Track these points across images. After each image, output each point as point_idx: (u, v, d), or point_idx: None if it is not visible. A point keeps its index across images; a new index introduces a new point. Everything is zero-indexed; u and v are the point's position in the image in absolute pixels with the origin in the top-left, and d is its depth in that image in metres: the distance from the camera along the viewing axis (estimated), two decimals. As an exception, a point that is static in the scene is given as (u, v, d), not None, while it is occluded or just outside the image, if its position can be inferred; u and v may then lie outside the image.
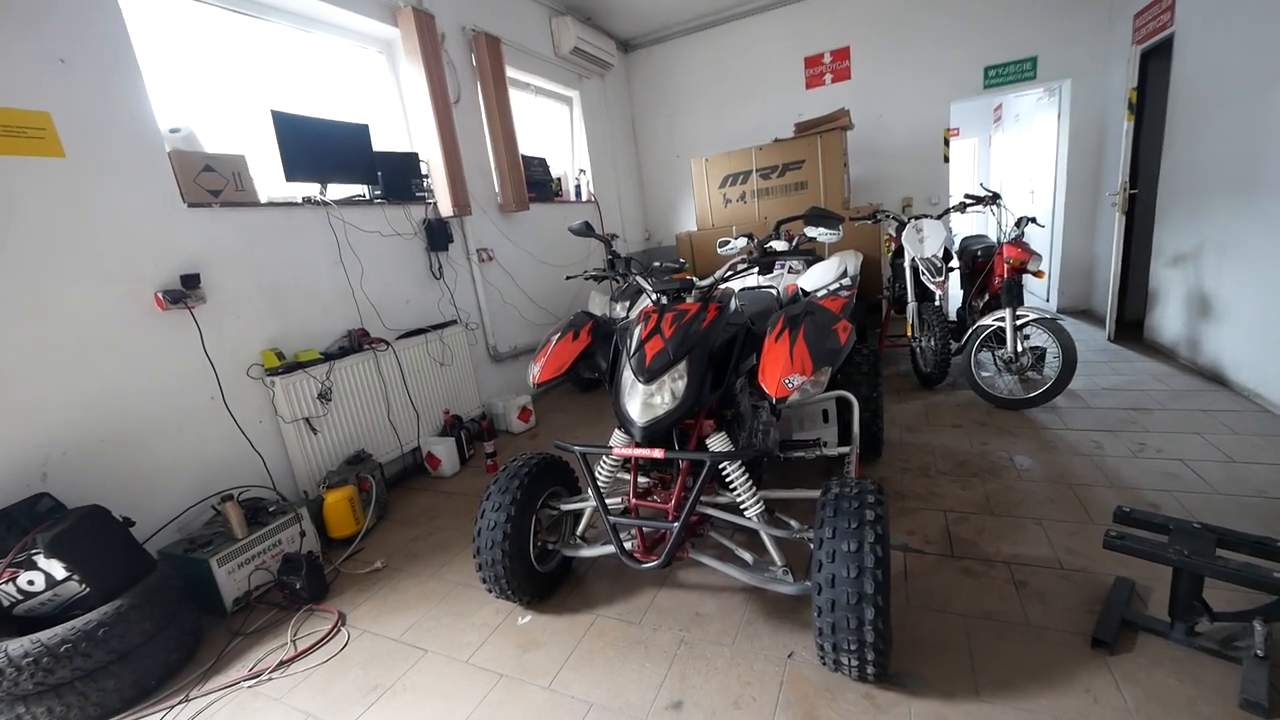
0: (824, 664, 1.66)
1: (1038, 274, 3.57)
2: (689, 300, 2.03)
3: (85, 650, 1.88)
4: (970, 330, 3.62)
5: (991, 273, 3.81)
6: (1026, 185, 6.52)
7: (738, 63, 6.14)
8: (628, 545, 1.92)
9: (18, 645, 1.81)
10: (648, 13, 5.79)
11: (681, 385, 1.80)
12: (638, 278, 2.21)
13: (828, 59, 5.75)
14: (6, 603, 1.94)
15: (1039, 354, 3.44)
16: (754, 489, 1.91)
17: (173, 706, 1.98)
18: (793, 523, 1.91)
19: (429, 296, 3.87)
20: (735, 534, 2.10)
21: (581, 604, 2.22)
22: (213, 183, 2.69)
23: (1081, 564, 2.04)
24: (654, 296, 2.09)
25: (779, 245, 2.08)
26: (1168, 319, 4.14)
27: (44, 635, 1.84)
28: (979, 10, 5.19)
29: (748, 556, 1.95)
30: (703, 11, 5.92)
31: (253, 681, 2.05)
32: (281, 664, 2.12)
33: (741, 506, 1.92)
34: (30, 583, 1.93)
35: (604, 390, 4.89)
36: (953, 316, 4.55)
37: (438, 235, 3.79)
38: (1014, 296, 3.45)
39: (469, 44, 4.25)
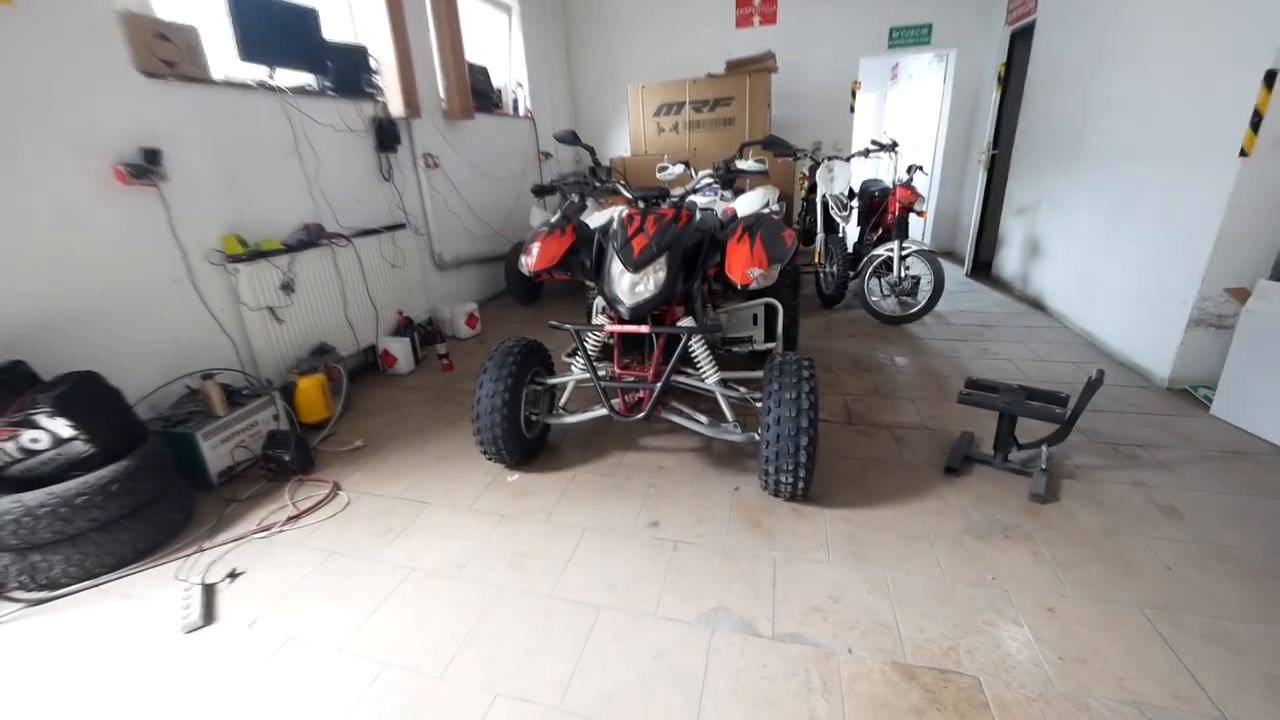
0: (765, 489, 2.21)
1: (920, 214, 4.30)
2: (664, 206, 2.40)
3: (100, 503, 2.00)
4: (865, 259, 4.31)
5: (885, 211, 4.51)
6: (913, 139, 7.38)
7: (673, -12, 6.25)
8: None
9: (33, 496, 1.90)
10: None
11: (663, 275, 2.20)
12: (619, 185, 2.53)
13: (757, 0, 6.05)
14: (2, 462, 1.97)
15: (915, 281, 4.20)
16: (713, 361, 2.39)
17: (187, 556, 2.16)
18: (741, 388, 2.42)
19: (379, 197, 3.88)
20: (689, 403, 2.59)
21: (560, 464, 2.63)
22: (167, 52, 2.57)
23: (939, 425, 2.78)
24: (636, 202, 2.44)
25: (743, 165, 2.49)
26: (1009, 259, 5.12)
27: (59, 488, 1.93)
28: (891, -27, 5.71)
29: (704, 418, 2.45)
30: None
31: (263, 534, 2.25)
32: (289, 519, 2.33)
33: (703, 375, 2.39)
34: (34, 440, 1.97)
35: (540, 304, 5.17)
36: (849, 249, 5.27)
37: (387, 135, 3.77)
38: (902, 231, 4.16)
39: (411, -67, 4.08)
